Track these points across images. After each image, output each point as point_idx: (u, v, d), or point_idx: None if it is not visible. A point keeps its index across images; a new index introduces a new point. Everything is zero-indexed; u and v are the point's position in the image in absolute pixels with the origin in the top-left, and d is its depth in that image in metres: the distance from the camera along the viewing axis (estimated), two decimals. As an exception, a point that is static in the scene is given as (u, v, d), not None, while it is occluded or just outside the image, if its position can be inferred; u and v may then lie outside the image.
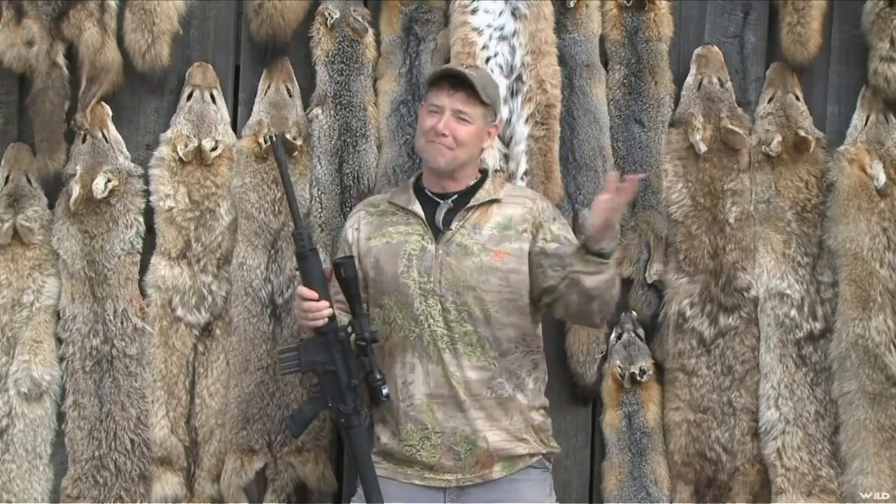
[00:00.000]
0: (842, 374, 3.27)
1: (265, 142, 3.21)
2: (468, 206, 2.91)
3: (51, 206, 3.32)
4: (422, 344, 2.86)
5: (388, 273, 2.88)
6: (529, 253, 2.88)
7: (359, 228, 2.98)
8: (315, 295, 2.82)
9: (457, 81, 2.88)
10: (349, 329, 2.84)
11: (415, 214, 2.92)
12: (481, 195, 2.93)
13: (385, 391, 2.83)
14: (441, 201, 2.92)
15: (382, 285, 2.90)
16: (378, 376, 2.82)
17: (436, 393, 2.85)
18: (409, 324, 2.86)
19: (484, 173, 3.00)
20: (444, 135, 2.85)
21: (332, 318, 2.84)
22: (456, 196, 2.92)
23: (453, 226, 2.89)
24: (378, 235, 2.93)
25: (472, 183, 2.95)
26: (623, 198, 2.70)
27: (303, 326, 2.95)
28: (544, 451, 2.95)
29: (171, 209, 3.28)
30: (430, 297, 2.85)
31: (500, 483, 2.88)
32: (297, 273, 2.94)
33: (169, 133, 3.32)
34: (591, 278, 2.75)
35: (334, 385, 2.86)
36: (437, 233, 2.89)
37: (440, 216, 2.90)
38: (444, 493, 2.87)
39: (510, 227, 2.89)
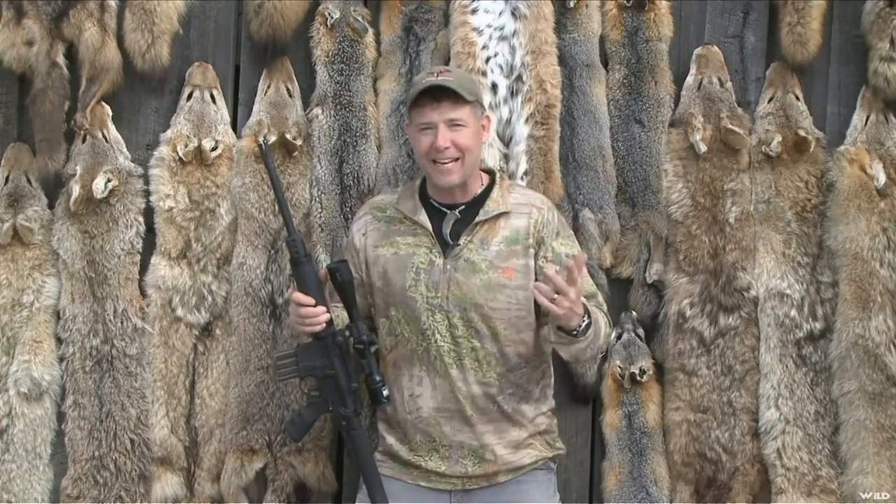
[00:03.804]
0: (842, 374, 3.27)
1: (259, 146, 3.20)
2: (476, 220, 2.86)
3: (51, 206, 3.32)
4: (429, 358, 2.85)
5: (396, 285, 2.87)
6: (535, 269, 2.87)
7: (366, 234, 2.95)
8: (311, 300, 2.80)
9: (436, 92, 2.81)
10: (347, 333, 2.84)
11: (422, 226, 2.88)
12: (490, 207, 2.87)
13: (385, 392, 2.83)
14: (448, 212, 2.88)
15: (390, 297, 2.88)
16: (378, 378, 2.82)
17: (443, 407, 2.85)
18: (416, 337, 2.85)
19: (491, 175, 2.96)
20: (446, 147, 2.80)
21: (330, 322, 2.84)
22: (463, 206, 2.88)
23: (461, 240, 2.85)
24: (386, 244, 2.91)
25: (479, 191, 2.91)
26: (560, 283, 2.62)
27: (300, 334, 2.91)
28: (550, 455, 2.95)
29: (171, 209, 3.28)
30: (437, 312, 2.83)
31: (505, 486, 2.89)
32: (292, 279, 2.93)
33: (169, 133, 3.32)
34: (566, 349, 2.79)
35: (334, 389, 2.86)
36: (445, 246, 2.86)
37: (447, 229, 2.86)
38: (450, 494, 2.88)
39: (517, 241, 2.86)
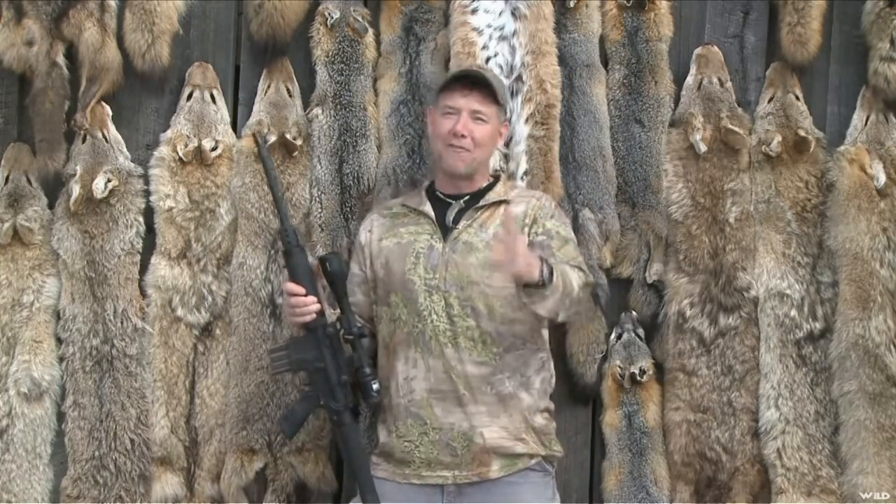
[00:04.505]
0: (842, 374, 3.27)
1: (254, 138, 3.21)
2: (478, 206, 2.92)
3: (51, 206, 3.32)
4: (424, 339, 2.86)
5: (397, 272, 2.90)
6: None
7: (371, 231, 3.00)
8: (302, 290, 2.84)
9: (471, 82, 2.89)
10: (337, 325, 2.85)
11: (425, 215, 2.93)
12: (491, 196, 2.94)
13: (375, 387, 2.84)
14: (452, 202, 2.93)
15: (391, 284, 2.91)
16: (367, 371, 2.84)
17: (436, 388, 2.85)
18: (413, 319, 2.86)
19: (496, 177, 3.03)
20: (463, 136, 2.86)
21: (321, 313, 2.86)
22: (468, 197, 2.94)
23: (461, 224, 2.90)
24: (390, 236, 2.95)
25: (484, 185, 2.97)
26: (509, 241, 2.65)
27: (291, 324, 2.94)
28: (544, 454, 2.94)
29: (171, 209, 3.29)
30: (434, 292, 2.86)
31: (497, 484, 2.87)
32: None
33: (169, 133, 3.32)
34: (540, 306, 2.76)
35: (324, 382, 2.88)
36: (446, 232, 2.90)
37: (451, 215, 2.92)
38: (443, 491, 2.87)
39: (515, 223, 2.87)
